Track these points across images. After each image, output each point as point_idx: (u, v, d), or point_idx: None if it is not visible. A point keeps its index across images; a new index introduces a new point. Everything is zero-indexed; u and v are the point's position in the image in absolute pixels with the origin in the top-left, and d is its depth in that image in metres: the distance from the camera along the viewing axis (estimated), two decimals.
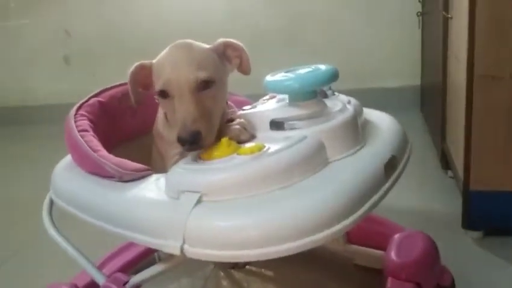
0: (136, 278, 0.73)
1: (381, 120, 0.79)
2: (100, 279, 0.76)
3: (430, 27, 1.75)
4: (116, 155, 0.76)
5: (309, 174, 0.60)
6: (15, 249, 1.31)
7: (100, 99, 0.90)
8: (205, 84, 0.69)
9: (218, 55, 0.74)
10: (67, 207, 0.77)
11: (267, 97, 0.79)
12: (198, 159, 0.64)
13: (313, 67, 0.69)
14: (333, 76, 0.67)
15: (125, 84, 0.90)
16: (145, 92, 0.77)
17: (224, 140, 0.65)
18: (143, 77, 0.75)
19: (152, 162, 0.84)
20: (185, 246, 0.57)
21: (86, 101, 0.87)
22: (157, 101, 0.74)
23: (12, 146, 2.39)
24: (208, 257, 0.56)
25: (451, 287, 0.89)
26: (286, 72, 0.70)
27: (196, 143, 0.65)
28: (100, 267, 0.92)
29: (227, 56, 0.75)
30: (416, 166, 1.28)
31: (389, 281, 0.84)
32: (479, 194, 1.08)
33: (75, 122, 0.81)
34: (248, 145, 0.63)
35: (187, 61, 0.69)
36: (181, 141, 0.65)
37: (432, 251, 0.91)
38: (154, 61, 0.74)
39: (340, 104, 0.71)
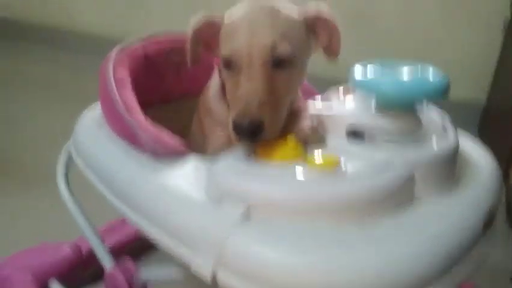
0: (145, 273, 0.62)
1: (477, 154, 0.63)
2: (108, 264, 0.65)
3: None
4: (153, 119, 0.62)
5: (391, 213, 0.46)
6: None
7: (144, 49, 0.75)
8: (283, 62, 0.55)
9: (307, 27, 0.59)
10: (85, 170, 0.65)
11: (342, 89, 0.64)
12: (252, 154, 0.51)
13: (419, 69, 0.54)
14: (443, 93, 0.51)
15: (178, 35, 0.77)
16: (207, 52, 0.63)
17: (291, 138, 0.51)
18: (208, 35, 0.60)
19: (190, 136, 0.71)
20: (219, 271, 0.45)
21: (129, 46, 0.72)
22: (217, 67, 0.60)
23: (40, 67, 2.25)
24: None
25: None
26: (381, 66, 0.55)
27: (256, 135, 0.51)
28: (102, 235, 0.81)
29: (316, 32, 0.60)
30: None
31: None
32: None
33: (114, 70, 0.66)
34: (319, 154, 0.49)
35: (269, 26, 0.55)
36: (237, 129, 0.51)
37: None
38: (225, 17, 0.59)
39: (439, 126, 0.56)
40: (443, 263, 0.44)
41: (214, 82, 0.66)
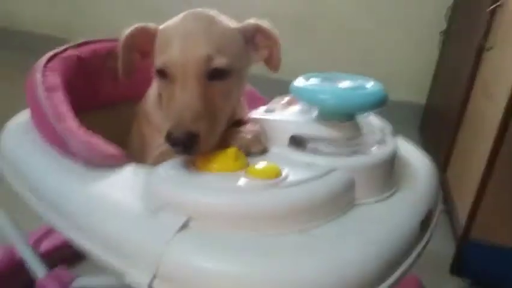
0: (80, 282, 0.59)
1: (412, 155, 0.65)
2: (39, 273, 0.62)
3: (453, 49, 1.61)
4: (88, 125, 0.59)
5: (334, 218, 0.47)
6: None
7: (78, 53, 0.72)
8: (219, 73, 0.53)
9: (245, 39, 0.58)
10: (13, 181, 0.61)
11: (286, 100, 0.64)
12: (191, 165, 0.50)
13: (358, 81, 0.55)
14: (383, 103, 0.52)
15: (114, 41, 0.73)
16: (141, 60, 0.60)
17: (232, 150, 0.50)
18: (142, 42, 0.59)
19: (129, 143, 0.68)
20: (155, 282, 0.43)
21: (61, 52, 0.69)
22: (152, 75, 0.58)
23: None
24: None
25: None
26: (323, 79, 0.56)
27: (190, 147, 0.49)
28: (35, 244, 0.77)
29: (255, 44, 0.59)
30: None
31: None
32: (477, 244, 0.98)
33: (43, 76, 0.63)
34: (260, 164, 0.49)
35: (203, 38, 0.53)
36: (171, 140, 0.49)
37: None
38: (160, 27, 0.58)
39: (378, 133, 0.57)
40: (383, 266, 0.44)
41: (152, 90, 0.65)
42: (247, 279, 0.41)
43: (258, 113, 0.59)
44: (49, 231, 0.85)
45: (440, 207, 0.60)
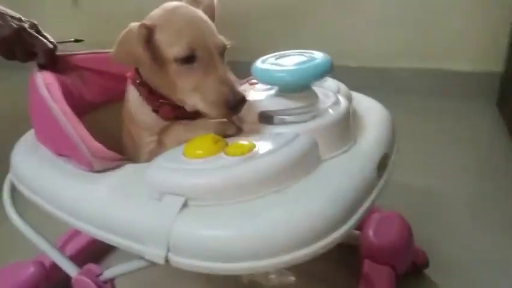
0: (109, 272, 0.70)
1: (370, 109, 0.75)
2: (72, 272, 0.72)
3: None
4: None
5: (303, 176, 0.57)
6: None
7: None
8: (223, 51, 0.66)
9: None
10: (30, 196, 0.70)
11: (249, 81, 0.74)
12: (180, 155, 0.59)
13: (306, 55, 0.64)
14: (329, 70, 0.62)
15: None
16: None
17: (210, 136, 0.59)
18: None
19: (123, 146, 0.77)
20: (170, 255, 0.53)
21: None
22: (130, 78, 0.66)
23: None
24: (196, 268, 0.52)
25: (426, 265, 0.93)
26: (277, 58, 0.65)
27: (240, 108, 0.62)
28: (62, 247, 0.87)
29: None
30: (490, 174, 1.24)
31: (365, 264, 0.86)
32: None
33: (46, 88, 0.70)
34: (236, 142, 0.58)
35: (210, 24, 0.66)
36: (231, 106, 0.61)
37: (407, 234, 0.92)
38: (151, 22, 0.64)
39: (332, 96, 0.66)
40: (347, 208, 0.54)
41: (132, 95, 0.72)
42: (238, 239, 0.51)
43: None
44: (71, 237, 0.96)
45: (395, 149, 0.70)
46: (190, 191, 0.54)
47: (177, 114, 0.69)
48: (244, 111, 0.64)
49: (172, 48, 0.62)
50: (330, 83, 0.74)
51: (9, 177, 0.77)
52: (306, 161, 0.58)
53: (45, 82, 0.70)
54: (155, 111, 0.69)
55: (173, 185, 0.55)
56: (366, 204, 0.57)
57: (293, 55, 0.65)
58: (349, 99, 0.73)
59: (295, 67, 0.61)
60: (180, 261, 0.53)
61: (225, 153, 0.57)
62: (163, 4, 0.67)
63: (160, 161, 0.59)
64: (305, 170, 0.57)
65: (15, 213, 0.76)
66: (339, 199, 0.54)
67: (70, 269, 0.72)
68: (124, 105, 0.74)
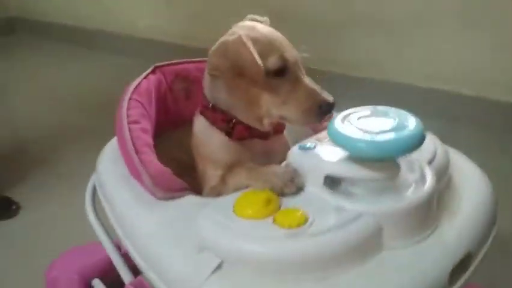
0: None
1: (470, 184, 0.63)
2: (126, 278, 0.74)
3: None
4: (166, 144, 0.71)
5: (355, 265, 0.49)
6: None
7: (161, 77, 0.82)
8: None
9: None
10: (104, 203, 0.73)
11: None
12: (229, 210, 0.55)
13: (396, 117, 0.54)
14: (418, 145, 0.52)
15: (193, 62, 0.85)
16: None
17: (264, 195, 0.55)
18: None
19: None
20: None
21: (140, 83, 0.79)
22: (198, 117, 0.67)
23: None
24: None
25: None
26: (360, 118, 0.56)
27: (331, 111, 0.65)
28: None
29: None
30: None
31: None
32: None
33: (128, 109, 0.73)
34: (288, 210, 0.53)
35: (286, 39, 0.68)
36: (324, 110, 0.64)
37: None
38: (245, 36, 0.64)
39: (417, 170, 0.57)
40: None
41: (199, 125, 0.72)
42: None
43: (295, 149, 0.61)
44: None
45: (488, 243, 0.58)
46: (227, 254, 0.51)
47: (251, 133, 0.70)
48: (309, 168, 0.58)
49: (266, 60, 0.63)
50: (427, 144, 0.63)
51: (93, 178, 0.81)
52: (363, 249, 0.50)
53: (128, 116, 0.72)
54: (228, 134, 0.69)
55: (213, 242, 0.52)
56: None
57: (380, 115, 0.56)
58: (444, 168, 0.62)
59: (378, 138, 0.52)
60: None
61: (273, 221, 0.52)
62: (237, 23, 0.70)
63: (210, 212, 0.56)
64: (360, 259, 0.50)
65: (94, 214, 0.79)
66: None
67: (126, 275, 0.74)
68: (193, 140, 0.73)
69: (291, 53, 0.66)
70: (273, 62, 0.64)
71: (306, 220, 0.51)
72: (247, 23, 0.70)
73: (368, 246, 0.51)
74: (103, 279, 0.94)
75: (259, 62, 0.62)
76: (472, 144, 1.50)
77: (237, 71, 0.63)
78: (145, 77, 0.80)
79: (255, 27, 0.68)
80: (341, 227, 0.50)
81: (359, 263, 0.50)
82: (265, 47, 0.64)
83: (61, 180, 1.44)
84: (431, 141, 0.65)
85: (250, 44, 0.63)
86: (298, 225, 0.50)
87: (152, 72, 0.82)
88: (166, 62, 0.84)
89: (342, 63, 1.93)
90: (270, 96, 0.65)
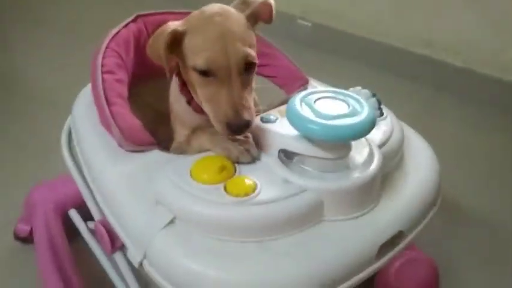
0: None
1: (418, 165, 0.68)
2: (96, 216, 0.79)
3: None
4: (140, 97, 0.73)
5: (292, 233, 0.55)
6: None
7: (141, 26, 0.83)
8: (250, 66, 0.62)
9: (251, 23, 0.65)
10: (76, 146, 0.77)
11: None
12: (187, 173, 0.59)
13: (352, 102, 0.58)
14: (367, 133, 0.56)
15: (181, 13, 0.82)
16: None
17: (220, 161, 0.59)
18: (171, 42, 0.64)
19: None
20: (145, 263, 0.57)
21: (119, 31, 0.80)
22: (174, 75, 0.67)
23: None
24: (161, 285, 0.56)
25: None
26: (318, 100, 0.59)
27: (243, 132, 0.61)
28: None
29: (258, 15, 0.66)
30: None
31: None
32: None
33: (103, 58, 0.75)
34: (239, 178, 0.58)
35: (237, 36, 0.60)
36: (232, 130, 0.60)
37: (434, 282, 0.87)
38: (185, 27, 0.63)
39: (366, 151, 0.61)
40: (327, 278, 0.52)
41: (173, 84, 0.73)
42: (205, 276, 0.52)
43: (257, 120, 0.64)
44: None
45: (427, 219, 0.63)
46: (179, 213, 0.56)
47: None
48: (266, 140, 0.61)
49: (194, 57, 0.62)
50: (383, 124, 0.68)
51: (69, 121, 0.84)
52: (301, 220, 0.56)
53: (103, 66, 0.73)
54: (189, 103, 0.70)
55: (169, 200, 0.57)
56: (350, 283, 0.54)
57: (337, 99, 0.59)
58: (396, 149, 0.66)
59: (331, 121, 0.55)
60: (152, 272, 0.56)
61: (224, 188, 0.56)
62: (208, 5, 0.65)
63: (169, 170, 0.60)
64: (297, 228, 0.55)
65: (69, 154, 0.83)
66: (311, 271, 0.52)
67: (96, 213, 0.79)
68: (169, 94, 0.75)
69: (224, 57, 0.59)
70: (198, 62, 0.61)
71: (253, 190, 0.56)
72: (213, 9, 0.64)
73: (307, 218, 0.56)
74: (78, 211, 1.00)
75: (166, 65, 0.62)
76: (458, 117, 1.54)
77: (157, 58, 0.64)
78: (125, 25, 0.81)
79: (210, 18, 0.62)
80: (284, 199, 0.55)
81: (298, 231, 0.55)
82: (197, 44, 0.61)
83: None
84: (388, 122, 0.69)
85: (167, 40, 0.61)
86: (246, 194, 0.55)
87: (134, 20, 0.83)
88: (149, 11, 0.84)
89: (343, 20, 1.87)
90: (198, 89, 0.64)
